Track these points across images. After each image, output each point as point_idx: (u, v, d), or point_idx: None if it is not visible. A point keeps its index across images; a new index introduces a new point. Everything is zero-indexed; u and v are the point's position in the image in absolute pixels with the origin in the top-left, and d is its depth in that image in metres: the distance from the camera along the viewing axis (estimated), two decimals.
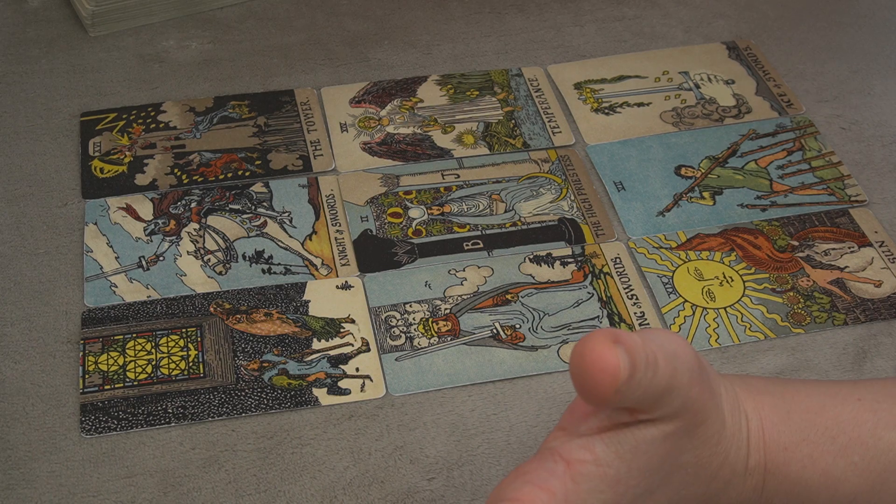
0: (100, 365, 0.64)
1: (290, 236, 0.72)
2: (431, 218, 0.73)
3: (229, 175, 0.75)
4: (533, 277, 0.70)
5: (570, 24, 0.89)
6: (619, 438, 0.45)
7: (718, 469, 0.48)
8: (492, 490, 0.58)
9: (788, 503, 0.50)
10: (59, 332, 0.66)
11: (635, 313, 0.68)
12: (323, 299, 0.68)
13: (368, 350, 0.65)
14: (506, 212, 0.74)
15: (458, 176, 0.76)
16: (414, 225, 0.73)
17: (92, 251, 0.70)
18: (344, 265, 0.70)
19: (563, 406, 0.63)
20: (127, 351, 0.64)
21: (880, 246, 0.72)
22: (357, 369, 0.64)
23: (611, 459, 0.44)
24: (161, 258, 0.70)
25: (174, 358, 0.64)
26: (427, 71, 0.85)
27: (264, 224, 0.72)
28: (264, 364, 0.64)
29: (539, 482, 0.43)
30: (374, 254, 0.71)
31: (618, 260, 0.71)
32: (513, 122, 0.80)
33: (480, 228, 0.73)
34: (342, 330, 0.66)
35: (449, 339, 0.66)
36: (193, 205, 0.73)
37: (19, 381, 0.63)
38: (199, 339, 0.65)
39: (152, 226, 0.72)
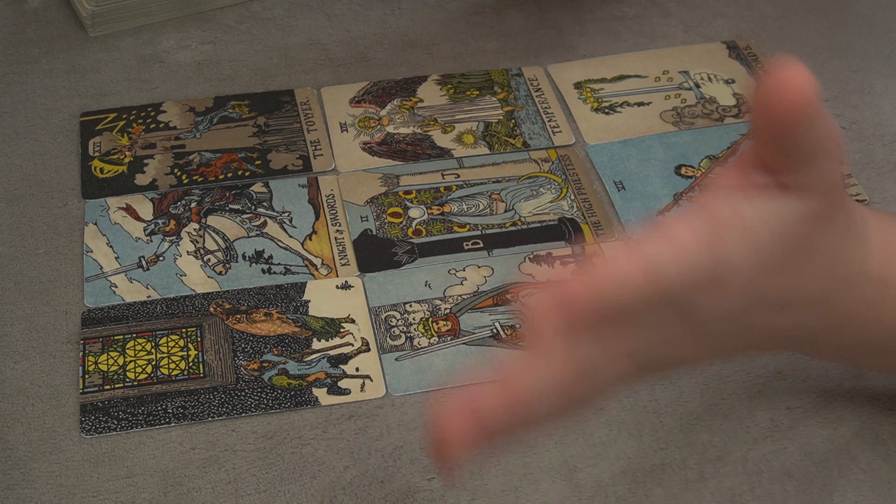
0: (100, 365, 0.64)
1: (290, 236, 0.72)
2: (431, 218, 0.73)
3: (229, 175, 0.75)
4: (533, 277, 0.70)
5: (571, 24, 0.89)
6: (763, 202, 0.44)
7: (836, 266, 0.48)
8: (492, 490, 0.59)
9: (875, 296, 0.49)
10: (59, 332, 0.66)
11: None
12: (323, 299, 0.68)
13: (368, 350, 0.65)
14: (506, 211, 0.74)
15: (458, 176, 0.76)
16: (414, 225, 0.73)
17: (92, 251, 0.70)
18: (344, 265, 0.70)
19: None
20: (127, 351, 0.64)
21: None
22: (357, 369, 0.64)
23: (753, 220, 0.44)
24: (161, 258, 0.70)
25: (174, 358, 0.64)
26: (427, 71, 0.85)
27: (264, 224, 0.72)
28: (264, 364, 0.64)
29: (684, 222, 0.43)
30: (374, 254, 0.71)
31: None
32: (513, 121, 0.80)
33: (480, 228, 0.73)
34: (342, 330, 0.66)
35: (449, 338, 0.66)
36: (193, 205, 0.73)
37: (19, 381, 0.63)
38: (199, 339, 0.65)
39: (152, 226, 0.72)
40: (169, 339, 0.65)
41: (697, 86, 0.84)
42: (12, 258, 0.70)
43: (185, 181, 0.75)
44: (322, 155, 0.77)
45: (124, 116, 0.79)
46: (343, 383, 0.63)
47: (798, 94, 0.42)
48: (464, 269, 0.70)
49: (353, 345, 0.65)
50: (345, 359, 0.65)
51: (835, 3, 0.92)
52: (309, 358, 0.65)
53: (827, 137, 0.44)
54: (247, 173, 0.75)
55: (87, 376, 0.63)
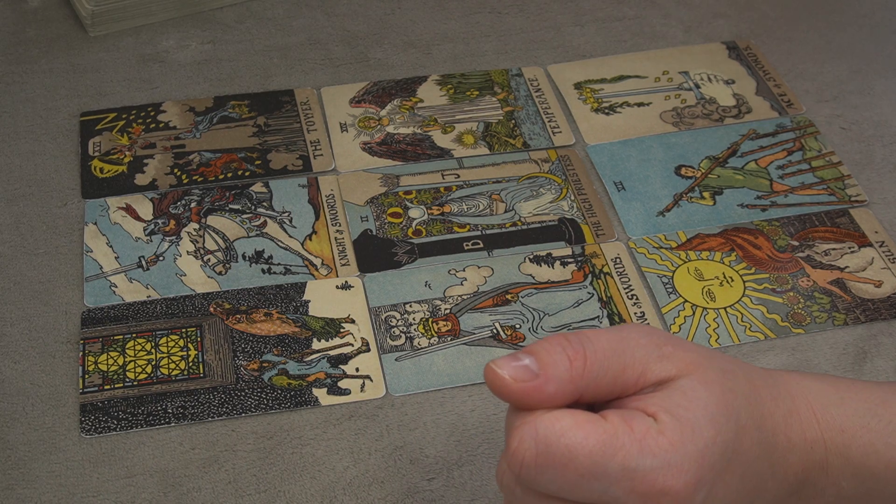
0: (100, 365, 0.64)
1: (290, 236, 0.72)
2: (431, 218, 0.73)
3: (229, 175, 0.75)
4: (533, 277, 0.70)
5: (570, 24, 0.89)
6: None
7: (773, 435, 0.47)
8: (492, 490, 0.59)
9: (857, 488, 0.49)
10: (59, 332, 0.66)
11: (635, 313, 0.68)
12: (323, 299, 0.68)
13: (368, 350, 0.65)
14: (506, 212, 0.74)
15: (458, 176, 0.76)
16: (414, 225, 0.73)
17: (92, 251, 0.70)
18: (344, 265, 0.70)
19: None
20: (127, 351, 0.64)
21: (880, 246, 0.72)
22: (357, 369, 0.64)
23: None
24: (161, 258, 0.70)
25: (174, 358, 0.64)
26: (427, 71, 0.85)
27: (264, 224, 0.72)
28: (264, 364, 0.64)
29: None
30: (374, 254, 0.71)
31: (618, 260, 0.71)
32: (513, 122, 0.80)
33: (480, 228, 0.73)
34: (342, 330, 0.66)
35: (449, 339, 0.66)
36: (193, 205, 0.73)
37: (19, 381, 0.63)
38: (198, 339, 0.65)
39: (152, 226, 0.72)
40: (169, 339, 0.65)
41: (697, 86, 0.84)
42: (12, 258, 0.70)
43: (185, 181, 0.75)
44: (322, 155, 0.77)
45: (124, 116, 0.79)
46: (343, 383, 0.63)
47: (500, 390, 0.44)
48: (464, 270, 0.70)
49: (353, 345, 0.65)
50: (345, 359, 0.65)
51: (835, 4, 0.92)
52: (309, 358, 0.65)
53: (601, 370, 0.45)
54: (247, 173, 0.75)
55: (87, 376, 0.63)
